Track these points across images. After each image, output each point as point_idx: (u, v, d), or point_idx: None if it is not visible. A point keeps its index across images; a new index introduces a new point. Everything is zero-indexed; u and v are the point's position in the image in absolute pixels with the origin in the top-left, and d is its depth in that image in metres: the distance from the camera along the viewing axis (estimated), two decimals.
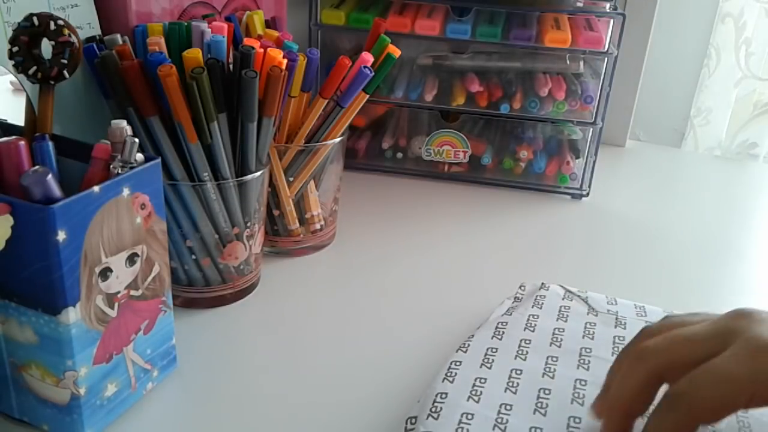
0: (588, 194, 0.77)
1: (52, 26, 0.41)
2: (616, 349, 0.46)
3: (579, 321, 0.49)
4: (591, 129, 0.75)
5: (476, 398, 0.41)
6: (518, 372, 0.44)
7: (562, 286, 0.54)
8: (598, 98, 0.73)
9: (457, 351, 0.46)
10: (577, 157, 0.78)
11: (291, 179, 0.59)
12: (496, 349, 0.46)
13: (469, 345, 0.46)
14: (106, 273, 0.38)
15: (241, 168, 0.51)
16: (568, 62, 0.75)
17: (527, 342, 0.47)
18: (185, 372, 0.47)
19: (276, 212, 0.60)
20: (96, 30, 0.51)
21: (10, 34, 0.42)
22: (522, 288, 0.54)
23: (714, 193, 0.83)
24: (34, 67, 0.42)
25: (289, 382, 0.47)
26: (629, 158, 0.91)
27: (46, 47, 0.42)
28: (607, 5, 0.72)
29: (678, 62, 1.06)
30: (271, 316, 0.54)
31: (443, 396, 0.41)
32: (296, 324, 0.53)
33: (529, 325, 0.49)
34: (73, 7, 0.48)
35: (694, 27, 1.04)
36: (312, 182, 0.60)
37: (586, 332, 0.48)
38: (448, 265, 0.62)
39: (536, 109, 0.75)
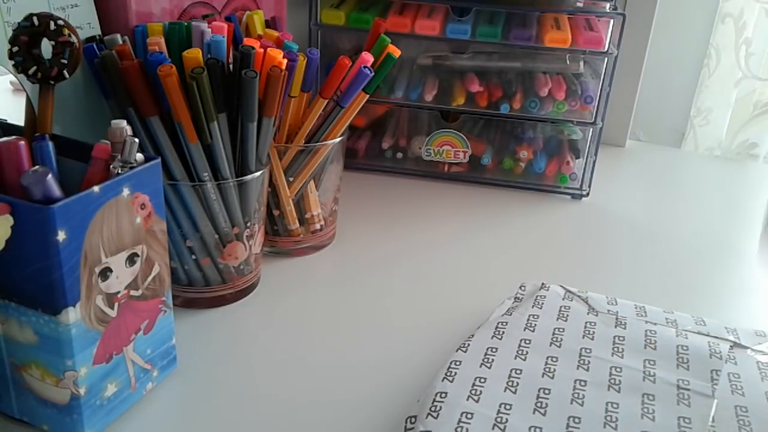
0: (588, 194, 0.77)
1: (52, 26, 0.41)
2: (616, 349, 0.46)
3: (579, 321, 0.49)
4: (591, 129, 0.75)
5: (476, 398, 0.41)
6: (518, 372, 0.44)
7: (562, 287, 0.54)
8: (598, 98, 0.73)
9: (457, 351, 0.46)
10: (577, 157, 0.77)
11: (291, 179, 0.59)
12: (496, 348, 0.46)
13: (469, 345, 0.46)
14: (106, 273, 0.38)
15: (241, 168, 0.51)
16: (568, 62, 0.75)
17: (527, 342, 0.47)
18: (185, 372, 0.47)
19: (276, 212, 0.60)
20: (96, 30, 0.51)
21: (10, 34, 0.42)
22: (522, 288, 0.54)
23: (714, 193, 0.83)
24: (34, 67, 0.42)
25: (289, 382, 0.47)
26: (629, 158, 0.91)
27: (46, 47, 0.42)
28: (607, 5, 0.72)
29: (678, 62, 1.06)
30: (271, 316, 0.54)
31: (443, 395, 0.41)
32: (296, 324, 0.53)
33: (529, 325, 0.49)
34: (73, 7, 0.48)
35: (694, 27, 1.04)
36: (312, 182, 0.60)
37: (586, 332, 0.48)
38: (448, 265, 0.62)
39: (536, 109, 0.75)
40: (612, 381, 0.43)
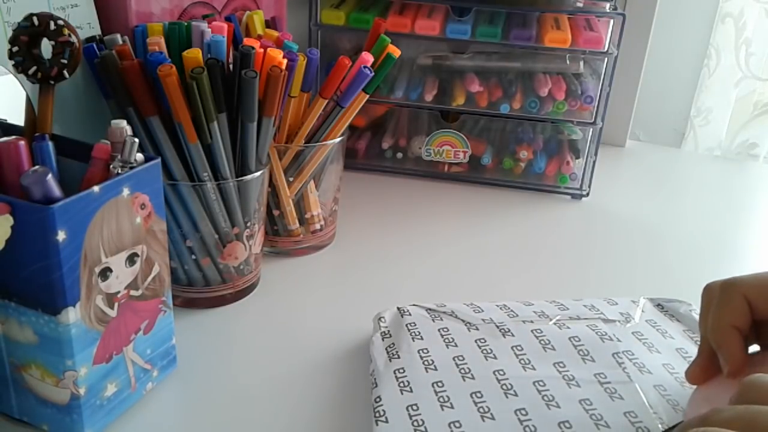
0: (588, 194, 0.77)
1: (52, 26, 0.41)
2: (522, 361, 0.45)
3: (468, 342, 0.47)
4: (591, 129, 0.75)
5: None
6: (457, 424, 0.40)
7: (416, 305, 0.50)
8: (598, 98, 0.73)
9: (377, 425, 0.40)
10: (577, 157, 0.77)
11: (291, 179, 0.59)
12: (417, 405, 0.41)
13: (384, 411, 0.41)
14: (106, 273, 0.38)
15: (241, 168, 0.51)
16: (568, 62, 0.75)
17: (440, 385, 0.43)
18: (185, 372, 0.47)
19: (276, 212, 0.60)
20: (96, 30, 0.51)
21: (10, 34, 0.42)
22: (382, 320, 0.50)
23: (714, 193, 0.83)
24: (34, 67, 0.42)
25: (288, 382, 0.47)
26: (629, 158, 0.91)
27: (46, 47, 0.42)
28: (607, 5, 0.72)
29: (678, 62, 1.06)
30: (271, 316, 0.54)
31: None
32: (296, 324, 0.53)
33: (427, 363, 0.45)
34: (73, 7, 0.48)
35: (694, 27, 1.04)
36: (312, 182, 0.60)
37: (484, 351, 0.46)
38: (448, 265, 0.62)
39: (536, 109, 0.75)
40: (546, 399, 0.41)
